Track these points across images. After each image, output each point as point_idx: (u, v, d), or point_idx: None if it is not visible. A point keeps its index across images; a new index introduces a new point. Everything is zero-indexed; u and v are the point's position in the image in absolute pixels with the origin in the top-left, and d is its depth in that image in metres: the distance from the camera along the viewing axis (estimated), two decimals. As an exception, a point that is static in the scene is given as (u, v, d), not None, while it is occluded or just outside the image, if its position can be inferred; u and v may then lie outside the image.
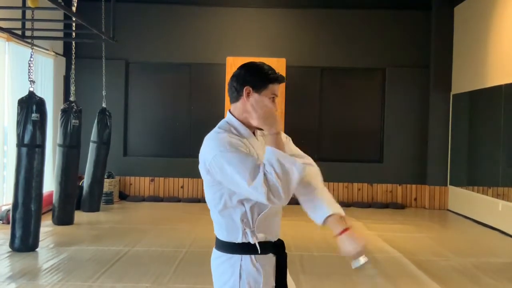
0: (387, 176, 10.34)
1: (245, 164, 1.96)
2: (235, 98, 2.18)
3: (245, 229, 2.09)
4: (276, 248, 2.16)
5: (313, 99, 10.40)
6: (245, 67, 2.20)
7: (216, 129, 2.20)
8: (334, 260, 6.00)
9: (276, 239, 2.18)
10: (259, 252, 2.09)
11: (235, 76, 2.19)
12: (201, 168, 2.13)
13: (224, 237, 2.14)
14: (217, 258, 2.17)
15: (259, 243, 2.09)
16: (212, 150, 2.08)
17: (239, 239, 2.10)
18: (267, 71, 2.16)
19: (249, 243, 2.09)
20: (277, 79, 2.16)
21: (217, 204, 2.13)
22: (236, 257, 2.10)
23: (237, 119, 2.18)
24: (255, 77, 2.15)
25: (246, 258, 2.10)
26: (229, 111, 2.22)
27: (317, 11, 10.50)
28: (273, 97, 2.16)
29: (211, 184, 2.12)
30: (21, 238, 5.87)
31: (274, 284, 2.12)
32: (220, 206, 2.12)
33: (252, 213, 2.08)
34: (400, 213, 9.65)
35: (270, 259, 2.13)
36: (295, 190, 2.07)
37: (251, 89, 2.14)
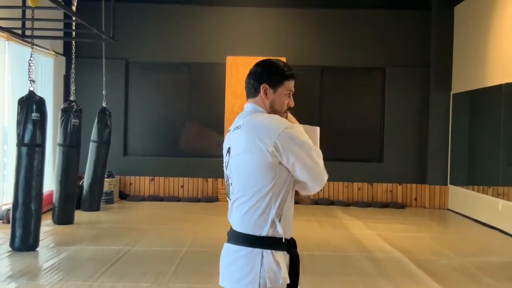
0: (387, 175, 10.34)
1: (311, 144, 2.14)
2: (253, 94, 2.27)
3: (275, 219, 2.11)
4: (290, 246, 2.18)
5: (313, 99, 10.40)
6: (261, 65, 2.29)
7: (264, 113, 2.22)
8: (335, 260, 6.00)
9: (290, 237, 2.21)
10: (285, 246, 2.13)
11: (252, 74, 2.28)
12: (253, 147, 2.09)
13: (249, 229, 2.12)
14: (234, 252, 2.15)
15: (279, 238, 2.12)
16: (277, 125, 2.11)
17: (264, 231, 2.10)
18: (282, 68, 2.26)
19: (272, 237, 2.11)
20: (292, 75, 2.26)
21: (261, 189, 2.09)
22: (257, 251, 2.10)
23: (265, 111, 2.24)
24: (271, 75, 2.24)
25: (268, 253, 2.10)
26: (252, 103, 2.26)
27: (317, 11, 10.50)
28: (289, 93, 2.27)
29: (264, 165, 2.08)
30: (21, 238, 5.87)
31: (289, 282, 2.13)
32: (265, 190, 2.09)
33: (282, 205, 2.13)
34: (400, 213, 9.65)
35: (285, 256, 2.15)
36: None
37: (267, 86, 2.22)
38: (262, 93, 2.23)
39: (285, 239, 2.13)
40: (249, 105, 2.27)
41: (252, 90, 2.26)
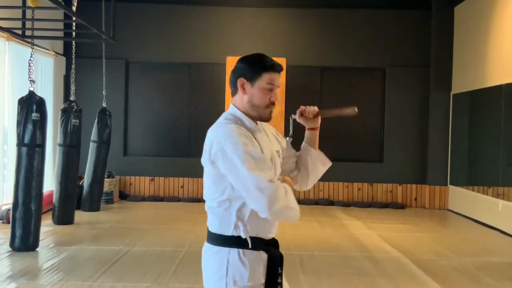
0: (387, 175, 10.34)
1: (259, 164, 2.00)
2: (234, 91, 2.20)
3: (237, 222, 2.09)
4: (268, 246, 2.15)
5: (313, 99, 10.38)
6: (240, 60, 2.20)
7: (222, 120, 2.18)
8: (334, 260, 6.00)
9: (269, 238, 2.18)
10: (250, 247, 2.09)
11: (232, 71, 2.20)
12: (205, 158, 2.12)
13: (215, 229, 2.14)
14: (207, 250, 2.18)
15: (250, 237, 2.11)
16: (221, 140, 2.06)
17: (229, 232, 2.10)
18: (261, 60, 2.14)
19: (239, 236, 2.10)
20: (271, 66, 2.13)
21: (218, 196, 2.11)
22: (225, 250, 2.11)
23: (240, 111, 2.18)
24: (247, 67, 2.14)
25: (234, 252, 2.10)
26: (232, 103, 2.23)
27: (317, 11, 10.50)
28: (271, 87, 2.14)
29: (215, 175, 2.10)
30: (21, 238, 5.87)
31: (263, 281, 2.11)
32: (222, 197, 2.10)
33: (248, 208, 2.08)
34: (400, 213, 9.65)
35: (260, 256, 2.12)
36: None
37: (244, 80, 2.13)
38: (240, 88, 2.14)
39: (256, 238, 2.10)
40: (230, 105, 2.25)
41: (232, 88, 2.20)
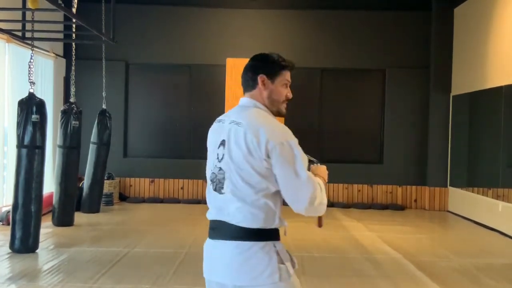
0: (387, 177, 10.34)
1: (305, 161, 2.13)
2: (251, 87, 2.27)
3: (279, 214, 2.15)
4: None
5: (313, 100, 10.40)
6: (256, 58, 2.30)
7: (262, 112, 2.22)
8: (335, 261, 6.00)
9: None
10: (280, 237, 2.18)
11: (248, 67, 2.29)
12: (256, 151, 2.09)
13: (259, 223, 2.11)
14: (247, 250, 2.11)
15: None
16: (280, 134, 2.12)
17: (273, 225, 2.14)
18: (278, 58, 2.28)
19: (277, 229, 2.16)
20: (288, 65, 2.29)
21: (265, 189, 2.11)
22: (270, 243, 2.13)
23: (262, 105, 2.26)
24: (267, 65, 2.26)
25: (278, 244, 2.15)
26: (249, 98, 2.27)
27: (317, 12, 10.51)
28: (287, 83, 2.30)
29: (267, 169, 2.10)
30: (21, 239, 5.86)
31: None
32: (271, 190, 2.12)
33: (281, 199, 2.18)
34: (400, 214, 9.65)
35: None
36: None
37: (265, 76, 2.24)
38: (260, 84, 2.24)
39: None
40: (246, 100, 2.28)
41: (249, 83, 2.27)
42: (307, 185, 2.09)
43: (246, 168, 2.11)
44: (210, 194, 2.28)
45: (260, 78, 2.24)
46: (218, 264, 2.19)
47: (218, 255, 2.19)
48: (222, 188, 2.19)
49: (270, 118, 2.21)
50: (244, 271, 2.12)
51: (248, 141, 2.10)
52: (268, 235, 2.13)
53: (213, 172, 2.25)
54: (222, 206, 2.19)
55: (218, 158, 2.22)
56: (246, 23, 10.50)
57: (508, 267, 6.01)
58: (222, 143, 2.20)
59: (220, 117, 2.34)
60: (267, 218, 2.12)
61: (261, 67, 2.25)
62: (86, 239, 6.92)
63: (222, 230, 2.19)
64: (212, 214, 2.27)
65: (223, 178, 2.19)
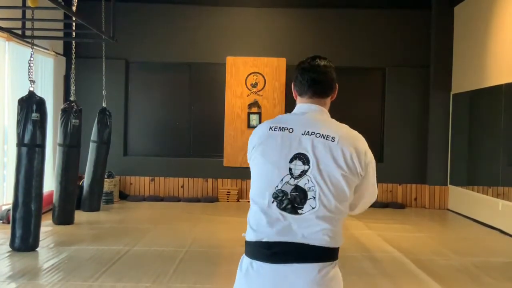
0: (387, 175, 10.33)
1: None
2: (326, 94, 2.11)
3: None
4: None
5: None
6: (329, 60, 2.15)
7: (346, 125, 2.08)
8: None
9: None
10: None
11: (329, 71, 2.11)
12: (353, 169, 1.97)
13: (337, 242, 1.98)
14: (329, 271, 1.95)
15: None
16: (368, 151, 2.04)
17: (340, 243, 2.01)
18: None
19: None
20: None
21: (347, 207, 2.02)
22: (335, 263, 2.00)
23: None
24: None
25: (337, 262, 2.03)
26: (319, 105, 2.09)
27: (317, 11, 10.50)
28: None
29: (356, 184, 2.01)
30: (21, 238, 5.87)
31: None
32: (348, 206, 2.02)
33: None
34: (400, 213, 9.66)
35: None
36: None
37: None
38: (334, 95, 2.12)
39: None
40: (317, 107, 2.06)
41: (328, 88, 2.09)
42: (376, 191, 2.14)
43: (342, 188, 1.94)
44: (267, 212, 1.95)
45: (337, 86, 2.11)
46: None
47: (292, 281, 1.92)
48: (301, 208, 1.92)
49: (355, 132, 2.05)
50: None
51: (347, 158, 1.94)
52: (337, 253, 2.02)
53: (280, 189, 1.94)
54: (298, 227, 1.92)
55: (292, 174, 1.94)
56: (246, 21, 10.49)
57: (508, 266, 6.02)
58: (299, 157, 1.95)
59: (277, 123, 2.03)
60: (340, 236, 2.00)
61: (336, 73, 2.11)
62: (87, 237, 6.92)
63: (298, 253, 1.92)
64: (271, 234, 1.94)
65: (304, 198, 1.92)
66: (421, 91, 10.35)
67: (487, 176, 8.91)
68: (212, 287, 4.98)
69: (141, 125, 10.63)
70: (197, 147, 10.58)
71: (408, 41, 10.44)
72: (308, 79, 2.07)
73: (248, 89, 10.18)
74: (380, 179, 9.52)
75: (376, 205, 10.14)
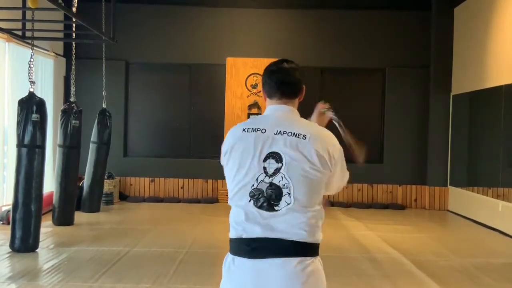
0: (387, 176, 10.34)
1: None
2: (295, 94, 2.18)
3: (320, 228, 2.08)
4: None
5: (313, 99, 10.36)
6: (295, 63, 2.20)
7: (308, 121, 2.21)
8: (335, 260, 6.00)
9: None
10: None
11: (295, 73, 2.17)
12: (325, 163, 2.03)
13: (316, 238, 2.03)
14: (307, 266, 2.00)
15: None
16: (337, 144, 2.14)
17: (319, 238, 2.06)
18: None
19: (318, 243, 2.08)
20: None
21: (321, 199, 2.08)
22: (317, 258, 2.05)
23: None
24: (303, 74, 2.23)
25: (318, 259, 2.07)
26: (291, 107, 2.16)
27: (317, 11, 10.51)
28: None
29: (325, 178, 2.06)
30: (21, 239, 5.86)
31: None
32: (321, 199, 2.08)
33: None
34: (400, 214, 9.65)
35: None
36: None
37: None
38: (302, 94, 2.19)
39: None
40: (286, 107, 2.14)
41: (297, 89, 2.17)
42: (347, 174, 2.21)
43: (315, 182, 2.01)
44: (246, 210, 2.02)
45: (304, 87, 2.18)
46: (272, 284, 1.98)
47: (271, 274, 1.97)
48: (277, 204, 1.99)
49: (323, 128, 2.20)
50: (305, 286, 2.00)
51: (319, 154, 2.01)
52: (317, 249, 2.07)
53: (256, 188, 2.00)
54: (275, 223, 1.99)
55: (266, 172, 2.00)
56: (246, 22, 10.50)
57: (508, 267, 6.01)
58: (272, 156, 2.01)
59: (249, 125, 2.10)
60: (318, 230, 2.05)
61: (302, 75, 2.17)
62: (86, 238, 6.92)
63: (276, 248, 1.98)
64: (253, 231, 2.00)
65: (279, 194, 1.99)
66: (421, 91, 10.35)
67: (487, 177, 8.91)
68: (212, 287, 4.98)
69: (141, 126, 10.63)
70: (197, 148, 10.58)
71: (408, 42, 10.44)
72: (277, 80, 2.14)
73: (248, 90, 10.18)
74: (380, 179, 9.58)
75: (376, 206, 10.15)
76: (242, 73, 10.21)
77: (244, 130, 2.09)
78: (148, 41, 10.46)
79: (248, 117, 10.18)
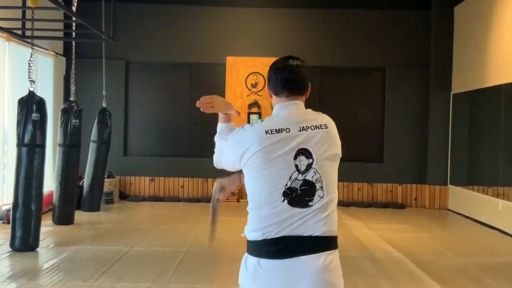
0: (387, 175, 10.34)
1: None
2: (304, 90, 2.20)
3: None
4: None
5: (313, 99, 10.30)
6: (303, 61, 2.23)
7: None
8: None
9: None
10: None
11: (302, 70, 2.19)
12: (336, 152, 2.12)
13: (336, 230, 2.08)
14: (332, 260, 2.04)
15: None
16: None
17: (336, 231, 2.10)
18: None
19: None
20: None
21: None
22: (336, 251, 2.09)
23: None
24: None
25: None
26: (301, 102, 2.18)
27: (317, 11, 10.50)
28: None
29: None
30: (21, 238, 5.87)
31: None
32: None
33: None
34: (400, 213, 9.65)
35: None
36: None
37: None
38: (307, 93, 2.20)
39: None
40: (300, 103, 2.16)
41: (305, 85, 2.18)
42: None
43: (335, 174, 2.10)
44: (280, 210, 2.00)
45: (309, 85, 2.21)
46: (303, 281, 1.99)
47: (301, 272, 1.98)
48: (311, 200, 2.00)
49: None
50: (335, 284, 2.06)
51: (338, 140, 2.14)
52: (336, 242, 2.11)
53: (290, 187, 1.99)
54: (305, 219, 1.99)
55: (298, 170, 2.01)
56: (246, 21, 10.49)
57: (508, 266, 6.02)
58: (302, 152, 2.02)
59: (271, 126, 2.05)
60: (335, 225, 2.10)
61: (308, 72, 2.20)
62: (87, 237, 6.92)
63: (304, 246, 1.99)
64: (283, 231, 1.99)
65: (313, 190, 2.00)
66: (421, 91, 10.35)
67: (487, 176, 8.91)
68: (212, 287, 4.98)
69: (141, 125, 10.63)
70: (197, 147, 10.57)
71: (408, 41, 10.44)
72: (282, 78, 2.13)
73: (248, 89, 10.18)
74: (380, 179, 9.58)
75: (376, 205, 10.15)
76: (242, 73, 10.20)
77: (267, 132, 2.04)
78: (148, 40, 10.46)
79: (248, 116, 10.17)
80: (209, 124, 11.25)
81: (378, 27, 10.47)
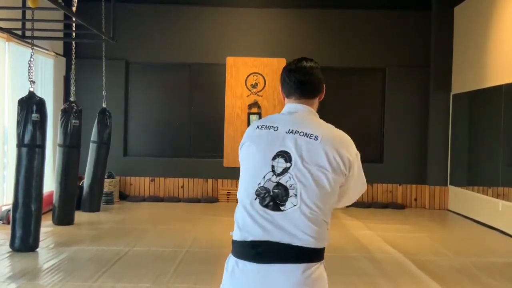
0: (387, 176, 10.34)
1: None
2: (315, 94, 2.13)
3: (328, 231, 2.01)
4: None
5: (313, 99, 10.38)
6: (316, 62, 2.16)
7: (329, 124, 2.11)
8: (334, 260, 6.00)
9: None
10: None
11: (316, 72, 2.12)
12: (338, 165, 1.95)
13: (323, 243, 1.98)
14: (313, 272, 1.95)
15: None
16: (352, 147, 2.04)
17: (326, 243, 2.01)
18: None
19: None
20: None
21: (334, 204, 2.02)
22: (322, 263, 2.01)
23: None
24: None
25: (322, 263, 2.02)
26: (310, 107, 2.12)
27: (317, 11, 10.50)
28: None
29: (340, 183, 1.99)
30: (21, 238, 5.87)
31: None
32: (332, 206, 2.02)
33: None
34: (400, 213, 9.65)
35: None
36: None
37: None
38: (322, 95, 2.14)
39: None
40: (303, 107, 2.08)
41: (316, 89, 2.11)
42: (364, 185, 2.12)
43: (324, 186, 1.93)
44: (251, 210, 1.96)
45: (324, 86, 2.13)
46: None
47: (277, 281, 1.91)
48: (283, 204, 1.92)
49: (339, 130, 2.07)
50: None
51: (330, 157, 1.94)
52: (323, 254, 2.02)
53: (263, 186, 1.94)
54: (281, 223, 1.92)
55: (274, 171, 1.95)
56: (246, 21, 10.49)
57: (508, 266, 6.02)
58: (282, 155, 1.96)
59: (264, 123, 2.06)
60: (326, 235, 1.99)
61: (322, 74, 2.13)
62: (86, 238, 6.92)
63: (283, 254, 1.92)
64: (259, 233, 1.94)
65: (286, 195, 1.92)
66: (421, 91, 10.34)
67: (487, 176, 8.91)
68: (212, 287, 4.97)
69: (141, 125, 10.63)
70: (197, 148, 10.58)
71: (408, 41, 10.44)
72: (295, 80, 2.09)
73: (248, 89, 10.19)
74: (380, 179, 9.58)
75: (376, 205, 10.15)
76: (242, 73, 10.21)
77: (258, 127, 2.05)
78: (148, 40, 10.46)
79: (248, 116, 10.18)
80: (209, 124, 11.22)
81: (378, 27, 10.47)
